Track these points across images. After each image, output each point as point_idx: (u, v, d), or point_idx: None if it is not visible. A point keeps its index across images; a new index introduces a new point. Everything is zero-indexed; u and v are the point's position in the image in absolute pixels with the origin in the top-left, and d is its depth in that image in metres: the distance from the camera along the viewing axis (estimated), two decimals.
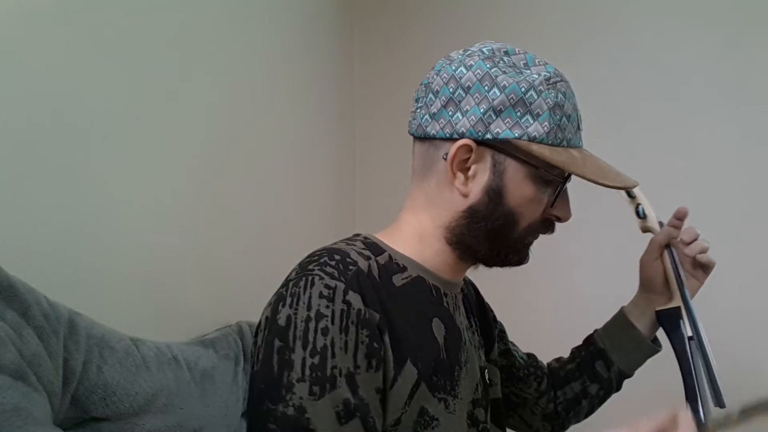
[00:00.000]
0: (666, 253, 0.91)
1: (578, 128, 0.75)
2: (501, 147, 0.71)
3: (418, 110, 0.75)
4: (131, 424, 0.79)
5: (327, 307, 0.64)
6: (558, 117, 0.70)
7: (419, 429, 0.68)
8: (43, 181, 0.89)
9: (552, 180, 0.73)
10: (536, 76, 0.70)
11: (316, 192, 1.70)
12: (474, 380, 0.79)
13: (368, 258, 0.72)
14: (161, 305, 1.10)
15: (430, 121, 0.73)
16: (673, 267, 0.90)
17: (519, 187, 0.72)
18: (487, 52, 0.72)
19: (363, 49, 1.93)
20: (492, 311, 0.99)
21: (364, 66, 1.93)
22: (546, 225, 0.77)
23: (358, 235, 0.79)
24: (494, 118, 0.69)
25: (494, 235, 0.74)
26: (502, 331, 1.01)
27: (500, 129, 0.70)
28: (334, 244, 0.75)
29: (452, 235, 0.75)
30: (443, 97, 0.72)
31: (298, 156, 1.60)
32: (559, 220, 0.77)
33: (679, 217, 0.90)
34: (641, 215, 0.93)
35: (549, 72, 0.71)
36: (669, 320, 0.88)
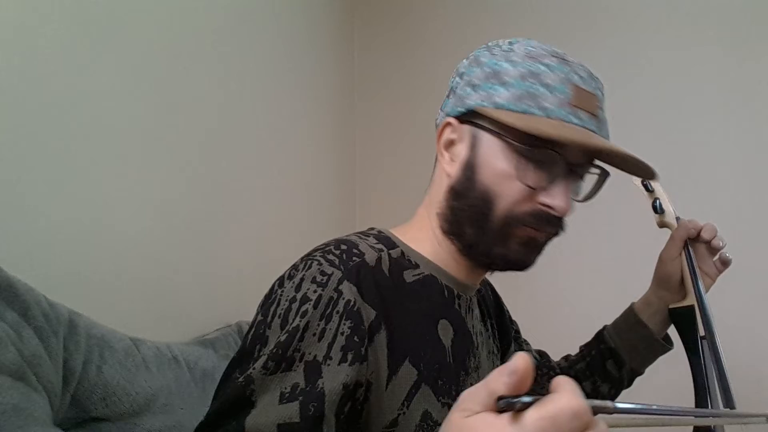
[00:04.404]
0: (684, 250, 0.89)
1: (570, 104, 0.66)
2: (475, 121, 0.69)
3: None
4: (131, 424, 0.79)
5: (315, 291, 0.63)
6: (529, 84, 0.66)
7: None
8: (44, 181, 0.89)
9: (527, 152, 0.66)
10: (520, 52, 0.68)
11: (316, 192, 1.70)
12: None
13: (380, 250, 0.70)
14: (161, 305, 1.10)
15: (439, 113, 0.76)
16: (689, 264, 0.88)
17: (491, 161, 0.68)
18: (490, 45, 0.73)
19: (363, 46, 1.93)
20: (508, 311, 0.97)
21: (365, 63, 1.93)
22: (538, 217, 0.68)
23: (372, 229, 0.77)
24: (470, 92, 0.70)
25: (475, 218, 0.69)
26: (517, 331, 0.99)
27: (471, 101, 0.69)
28: (347, 235, 0.74)
29: (443, 221, 0.73)
30: (448, 90, 0.76)
31: (298, 156, 1.60)
32: (552, 209, 0.68)
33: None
34: (658, 210, 0.91)
35: (541, 49, 0.68)
36: (682, 318, 0.87)
